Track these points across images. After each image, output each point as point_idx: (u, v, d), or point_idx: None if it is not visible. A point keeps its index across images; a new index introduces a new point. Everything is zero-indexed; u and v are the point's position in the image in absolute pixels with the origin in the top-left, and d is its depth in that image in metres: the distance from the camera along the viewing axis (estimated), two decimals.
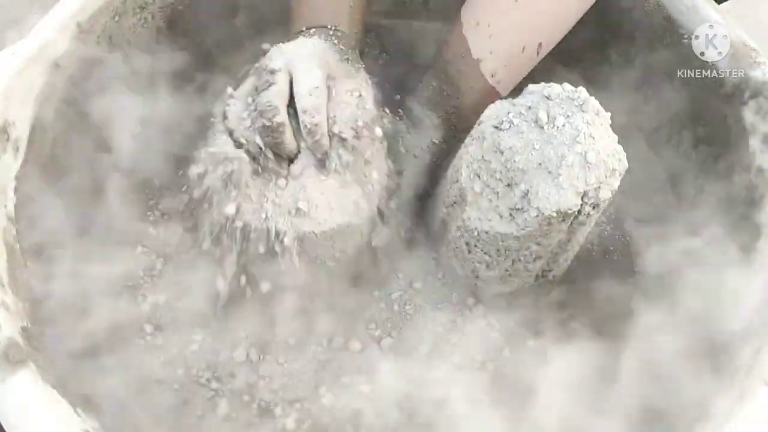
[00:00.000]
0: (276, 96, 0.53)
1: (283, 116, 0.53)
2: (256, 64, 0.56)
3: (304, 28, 0.60)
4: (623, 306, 0.63)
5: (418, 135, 0.63)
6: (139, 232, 0.63)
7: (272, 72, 0.54)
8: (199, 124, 0.70)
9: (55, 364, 0.50)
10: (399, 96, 0.67)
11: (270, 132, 0.53)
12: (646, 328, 0.62)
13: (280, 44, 0.56)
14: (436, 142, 0.63)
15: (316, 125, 0.53)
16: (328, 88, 0.56)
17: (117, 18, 0.63)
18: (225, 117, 0.55)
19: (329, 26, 0.60)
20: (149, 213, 0.65)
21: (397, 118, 0.63)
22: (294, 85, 0.54)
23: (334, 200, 0.55)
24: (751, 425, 0.46)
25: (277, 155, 0.55)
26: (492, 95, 0.61)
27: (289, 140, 0.54)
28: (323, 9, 0.61)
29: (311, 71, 0.54)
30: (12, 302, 0.50)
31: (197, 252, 0.58)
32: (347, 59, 0.58)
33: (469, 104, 0.62)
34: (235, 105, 0.55)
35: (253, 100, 0.55)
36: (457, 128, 0.63)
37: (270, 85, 0.54)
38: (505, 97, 0.63)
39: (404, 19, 0.78)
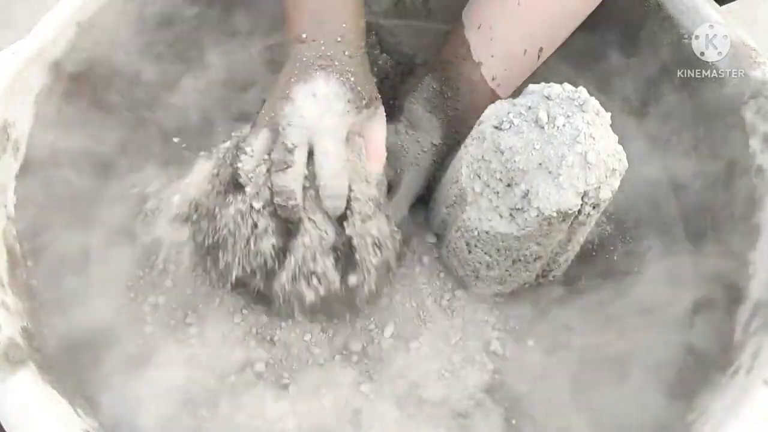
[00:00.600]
0: (293, 180, 0.51)
1: (299, 200, 0.52)
2: (271, 114, 0.53)
3: (304, 36, 0.55)
4: (623, 306, 0.63)
5: (419, 136, 0.63)
6: (139, 232, 0.63)
7: (290, 150, 0.51)
8: (202, 123, 0.70)
9: (55, 364, 0.50)
10: (398, 97, 0.67)
11: (284, 210, 0.52)
12: (647, 327, 0.62)
13: (299, 105, 0.52)
14: (437, 144, 0.63)
15: (338, 208, 0.53)
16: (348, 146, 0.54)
17: (117, 17, 0.63)
18: (237, 174, 0.53)
19: (335, 28, 0.54)
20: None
21: (399, 120, 0.63)
22: (315, 163, 0.52)
23: None
24: (751, 425, 0.46)
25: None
26: (492, 98, 0.61)
27: (299, 216, 0.53)
28: (325, 8, 0.56)
29: (334, 152, 0.52)
30: (12, 302, 0.50)
31: (202, 255, 0.58)
32: (361, 96, 0.53)
33: (470, 107, 0.62)
34: (248, 162, 0.53)
35: (268, 159, 0.53)
36: (457, 131, 0.63)
37: (287, 167, 0.51)
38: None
39: (404, 19, 0.78)
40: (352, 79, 0.53)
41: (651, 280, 0.64)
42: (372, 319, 0.60)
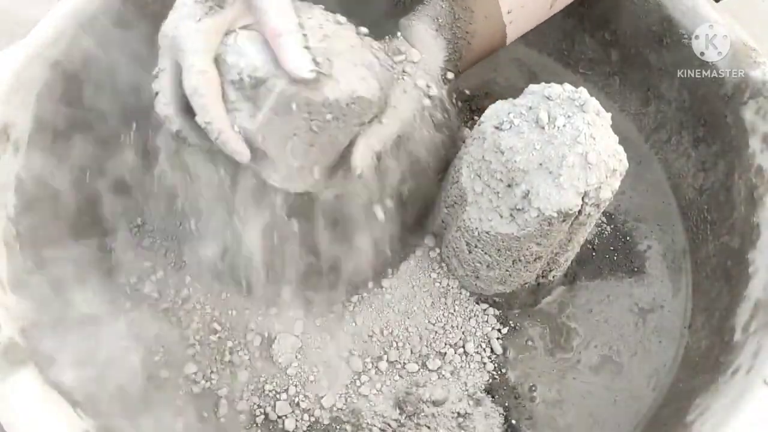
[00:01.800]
0: (163, 105, 0.48)
1: (176, 124, 0.48)
2: None
3: None
4: (623, 306, 0.63)
5: (419, 56, 0.56)
6: (137, 232, 0.63)
7: (155, 76, 0.49)
8: None
9: (55, 364, 0.50)
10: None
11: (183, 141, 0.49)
12: (646, 326, 0.62)
13: (163, 25, 0.48)
14: (436, 70, 0.57)
15: (207, 123, 0.46)
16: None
17: (117, 17, 0.63)
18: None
19: None
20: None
21: (388, 36, 0.57)
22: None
23: None
24: (751, 425, 0.46)
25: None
26: (500, 36, 0.59)
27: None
28: None
29: (189, 66, 0.46)
30: (12, 302, 0.50)
31: (201, 251, 0.58)
32: None
33: (478, 35, 0.58)
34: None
35: None
36: (460, 58, 0.58)
37: (156, 94, 0.48)
38: (505, 95, 0.63)
39: None
40: None
41: (651, 280, 0.64)
42: (371, 318, 0.60)
